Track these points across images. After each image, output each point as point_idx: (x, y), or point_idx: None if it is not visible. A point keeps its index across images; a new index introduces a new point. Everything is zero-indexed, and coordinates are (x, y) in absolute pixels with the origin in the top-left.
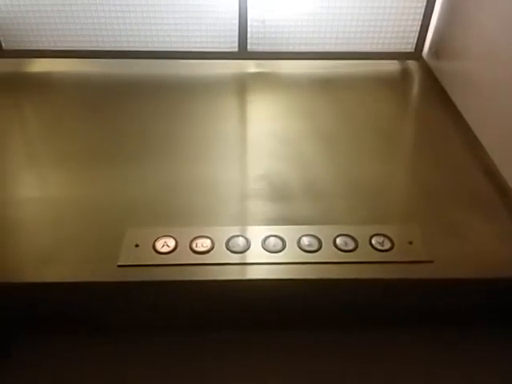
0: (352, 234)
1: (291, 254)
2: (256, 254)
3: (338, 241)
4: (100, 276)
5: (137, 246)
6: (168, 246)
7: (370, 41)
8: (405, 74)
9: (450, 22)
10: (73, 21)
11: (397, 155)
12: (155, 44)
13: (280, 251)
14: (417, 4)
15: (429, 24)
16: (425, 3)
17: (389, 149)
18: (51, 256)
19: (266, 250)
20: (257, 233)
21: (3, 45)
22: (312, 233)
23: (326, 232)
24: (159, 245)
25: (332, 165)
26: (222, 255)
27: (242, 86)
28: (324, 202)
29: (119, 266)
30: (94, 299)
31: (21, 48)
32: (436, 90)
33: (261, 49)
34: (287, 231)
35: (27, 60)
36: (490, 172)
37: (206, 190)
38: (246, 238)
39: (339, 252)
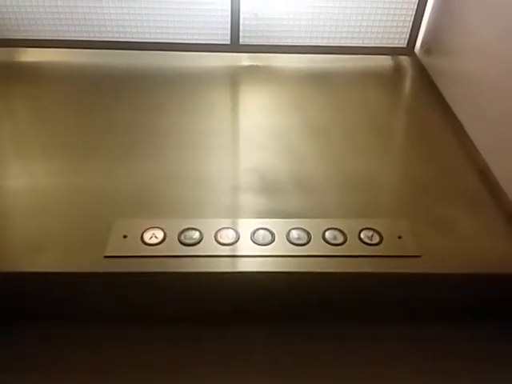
0: (341, 228)
1: (280, 246)
2: (245, 246)
3: (327, 234)
4: (87, 267)
5: (125, 236)
6: (156, 237)
7: (362, 35)
8: (397, 70)
9: (442, 19)
10: (63, 10)
11: (387, 150)
12: (146, 35)
13: (269, 244)
14: None
15: (421, 20)
16: None
17: (380, 143)
18: (38, 246)
19: (255, 243)
20: (246, 225)
21: None
22: (301, 226)
23: (315, 225)
24: (147, 236)
25: (322, 159)
26: (210, 247)
27: (233, 79)
28: (314, 195)
29: (106, 256)
30: (81, 290)
31: (10, 37)
32: (427, 86)
33: (253, 42)
34: (276, 224)
35: (17, 49)
36: (480, 168)
37: (196, 182)
38: (235, 231)
39: (328, 245)
